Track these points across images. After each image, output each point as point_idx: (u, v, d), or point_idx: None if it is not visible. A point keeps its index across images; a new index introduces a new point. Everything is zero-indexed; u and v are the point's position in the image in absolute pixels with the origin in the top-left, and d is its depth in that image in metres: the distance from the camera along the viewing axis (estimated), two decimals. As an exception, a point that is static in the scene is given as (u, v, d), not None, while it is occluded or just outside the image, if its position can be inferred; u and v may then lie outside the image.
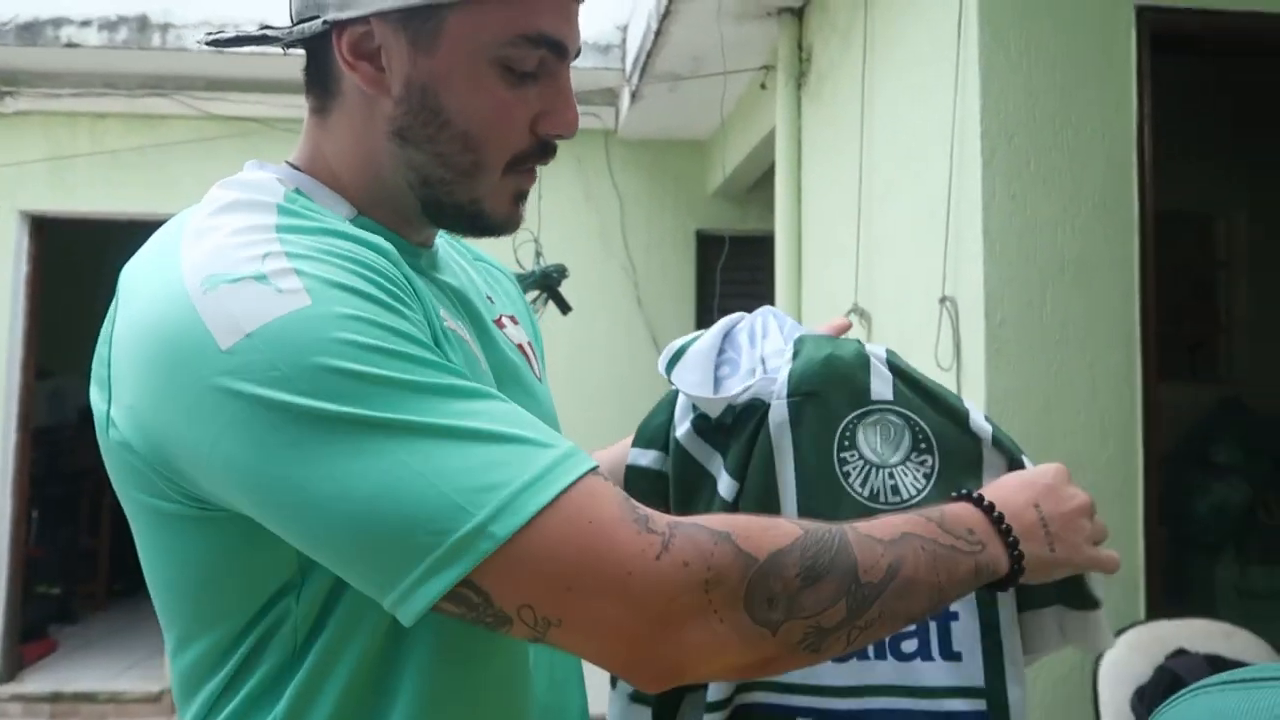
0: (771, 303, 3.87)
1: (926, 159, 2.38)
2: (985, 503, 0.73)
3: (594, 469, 0.59)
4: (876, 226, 2.72)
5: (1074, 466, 2.13)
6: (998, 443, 0.87)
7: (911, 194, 2.48)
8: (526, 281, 3.18)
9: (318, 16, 0.69)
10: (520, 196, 0.75)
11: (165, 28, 4.41)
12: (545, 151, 0.73)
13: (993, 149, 2.13)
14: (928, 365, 2.23)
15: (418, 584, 0.55)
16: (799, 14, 3.44)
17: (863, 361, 0.87)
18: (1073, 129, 2.16)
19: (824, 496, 0.83)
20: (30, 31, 4.36)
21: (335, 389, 0.56)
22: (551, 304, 3.07)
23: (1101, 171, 2.16)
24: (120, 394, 0.63)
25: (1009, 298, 2.11)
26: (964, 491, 0.74)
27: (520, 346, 0.84)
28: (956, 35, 2.20)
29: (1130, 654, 1.99)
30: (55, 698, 4.59)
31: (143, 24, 4.41)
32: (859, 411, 0.85)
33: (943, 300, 2.24)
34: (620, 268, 5.03)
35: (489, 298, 0.85)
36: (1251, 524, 3.35)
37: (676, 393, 0.93)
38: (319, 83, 0.74)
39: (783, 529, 0.61)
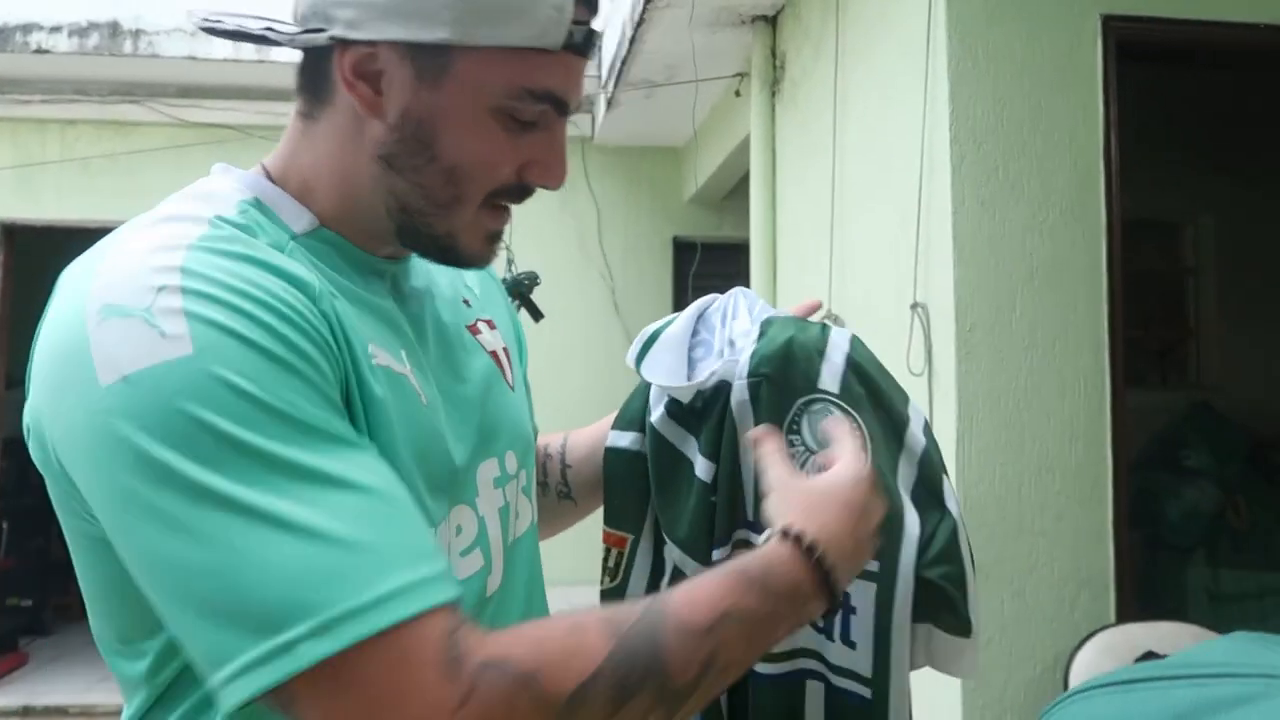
0: (747, 309, 3.88)
1: (897, 166, 2.39)
2: (816, 554, 0.69)
3: (439, 604, 0.56)
4: (849, 233, 2.73)
5: (1044, 470, 2.16)
6: (925, 461, 0.89)
7: (883, 200, 2.50)
8: (498, 289, 3.18)
9: (324, 30, 0.68)
10: (494, 236, 0.74)
11: (137, 34, 4.38)
12: (523, 193, 0.74)
13: (962, 155, 2.15)
14: (900, 371, 2.24)
15: (234, 678, 0.54)
16: (773, 22, 3.46)
17: (820, 349, 0.89)
18: (1040, 136, 2.18)
19: None
20: (-1, 37, 4.33)
21: (196, 447, 0.55)
22: (523, 311, 3.07)
23: (1069, 178, 2.19)
24: (30, 405, 0.63)
25: (979, 303, 2.13)
26: (794, 533, 0.70)
27: (494, 353, 0.84)
28: (925, 43, 2.22)
29: (1100, 657, 2.00)
30: (26, 711, 4.53)
31: (114, 30, 4.37)
32: (806, 399, 0.87)
33: (914, 306, 2.26)
34: (598, 274, 5.03)
35: (465, 301, 0.85)
36: (1221, 527, 3.39)
37: (648, 385, 0.94)
38: (311, 90, 0.72)
39: (590, 651, 0.58)
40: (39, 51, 4.34)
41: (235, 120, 4.53)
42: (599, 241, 5.03)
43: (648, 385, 0.94)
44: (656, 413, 0.91)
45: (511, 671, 0.56)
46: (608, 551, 0.94)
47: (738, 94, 3.93)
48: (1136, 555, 3.07)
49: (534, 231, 4.82)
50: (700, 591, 0.64)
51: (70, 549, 0.68)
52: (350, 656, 0.53)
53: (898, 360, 2.26)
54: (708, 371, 0.89)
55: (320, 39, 0.68)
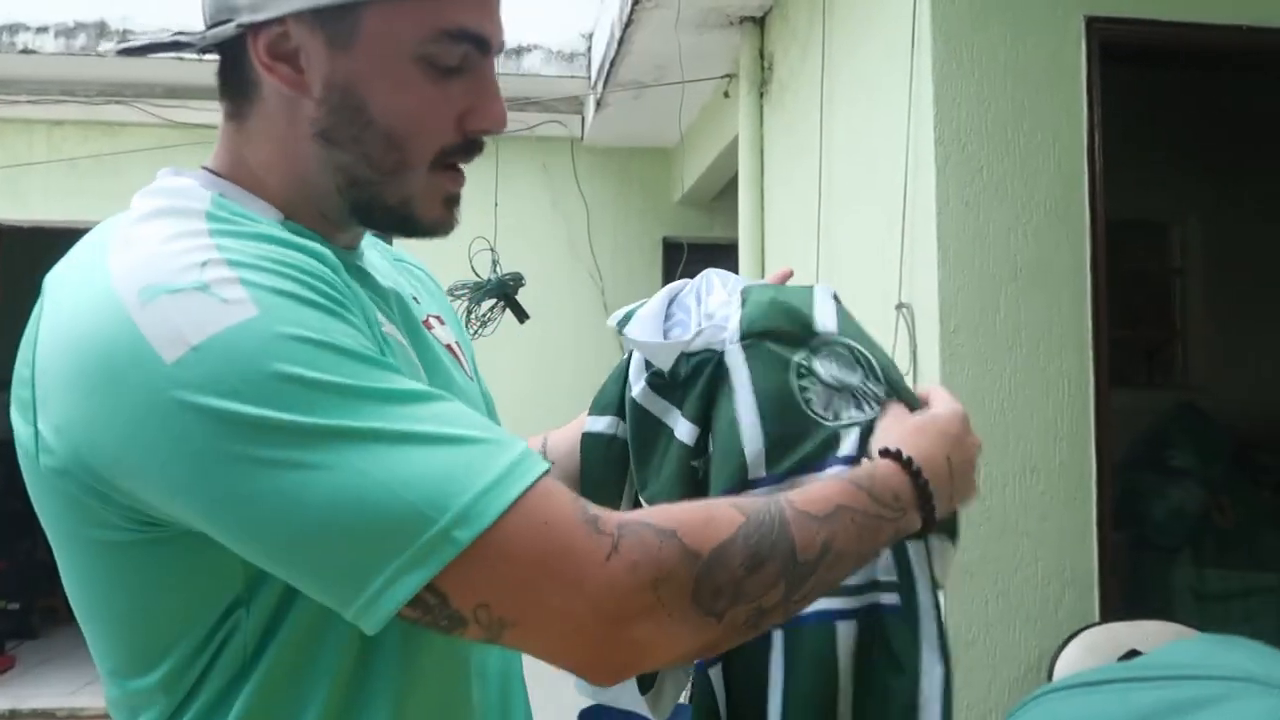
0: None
1: (883, 166, 2.40)
2: (914, 467, 0.75)
3: (547, 470, 0.60)
4: (835, 233, 2.74)
5: (1028, 471, 2.16)
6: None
7: (869, 201, 2.50)
8: (482, 290, 3.16)
9: (231, 20, 0.68)
10: (451, 200, 0.74)
11: (124, 34, 4.36)
12: (472, 149, 0.72)
13: (946, 156, 2.15)
14: (884, 371, 2.24)
15: (381, 591, 0.55)
16: (760, 23, 3.46)
17: (806, 300, 0.89)
18: (1025, 137, 2.19)
19: (791, 424, 0.85)
20: (-15, 37, 4.30)
21: (288, 399, 0.55)
22: (509, 312, 3.07)
23: (1053, 179, 2.19)
24: (48, 414, 0.60)
25: (963, 303, 2.14)
26: (894, 450, 0.76)
27: (449, 346, 0.84)
28: (910, 44, 2.23)
29: (1084, 656, 2.01)
30: (13, 715, 4.50)
31: (101, 30, 4.36)
32: (811, 344, 0.87)
33: (899, 306, 2.26)
34: (587, 275, 5.03)
35: (414, 298, 0.85)
36: (1207, 527, 3.40)
37: (628, 361, 0.93)
38: (235, 87, 0.72)
39: (724, 519, 0.62)
40: (25, 52, 4.32)
41: (221, 121, 4.51)
42: (588, 242, 5.03)
43: (622, 370, 0.94)
44: (638, 387, 0.90)
45: (654, 527, 0.60)
46: None
47: (726, 95, 3.93)
48: (1122, 555, 3.09)
49: (523, 232, 4.82)
50: (815, 489, 0.69)
51: (71, 567, 0.66)
52: (497, 532, 0.56)
53: (883, 361, 2.26)
54: (693, 333, 0.88)
55: (229, 30, 0.68)
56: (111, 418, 0.57)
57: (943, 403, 0.85)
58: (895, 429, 0.80)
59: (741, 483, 0.84)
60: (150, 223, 0.63)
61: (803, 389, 0.85)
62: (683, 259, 4.98)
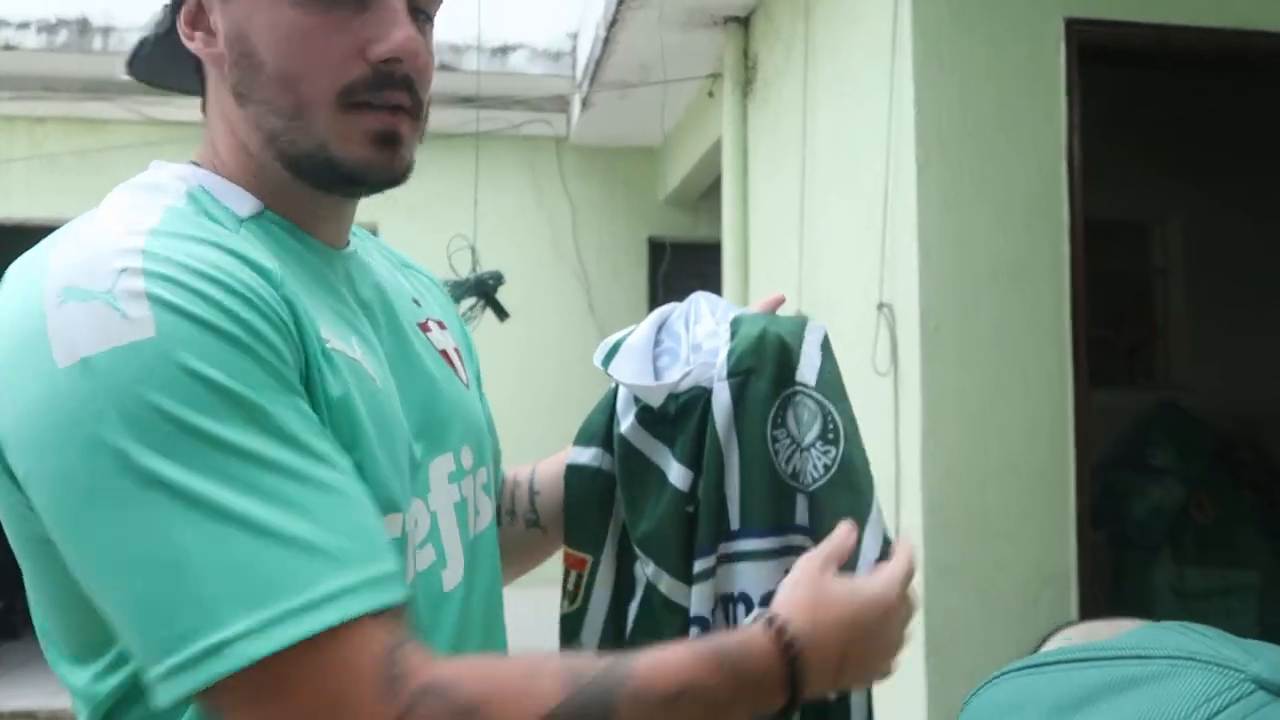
0: (720, 309, 3.89)
1: (864, 167, 2.40)
2: (792, 652, 0.65)
3: (385, 607, 0.55)
4: (818, 233, 2.74)
5: (1008, 470, 2.17)
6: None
7: (850, 201, 2.51)
8: (461, 288, 3.15)
9: (163, 2, 0.69)
10: (383, 138, 0.68)
11: (107, 31, 4.34)
12: (385, 83, 0.67)
13: (927, 157, 2.16)
14: (866, 370, 2.25)
15: (161, 680, 0.53)
16: (745, 22, 3.47)
17: (795, 341, 0.86)
18: (1005, 137, 2.20)
19: (757, 475, 0.83)
20: (-35, 33, 4.27)
21: (151, 435, 0.54)
22: (489, 311, 3.06)
23: (1033, 179, 2.21)
24: None
25: (944, 303, 2.14)
26: (778, 625, 0.66)
27: (444, 352, 0.83)
28: (891, 45, 2.24)
29: (1063, 654, 2.02)
30: (-8, 716, 4.47)
31: (84, 27, 4.33)
32: (787, 391, 0.85)
33: (880, 306, 2.27)
34: (572, 274, 5.02)
35: (415, 300, 0.84)
36: (1187, 525, 3.43)
37: (616, 390, 0.91)
38: (198, 75, 0.73)
39: (541, 695, 0.56)
40: (7, 48, 4.29)
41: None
42: (574, 241, 5.02)
43: (610, 399, 0.92)
44: (626, 422, 0.88)
45: (454, 701, 0.54)
46: (567, 573, 0.91)
47: (711, 95, 3.93)
48: (1103, 554, 3.10)
49: (508, 230, 4.82)
50: (668, 661, 0.61)
51: (18, 556, 0.66)
52: (286, 659, 0.52)
53: (864, 360, 2.27)
54: (681, 372, 0.86)
55: (161, 13, 0.69)
56: (12, 405, 0.57)
57: (881, 584, 0.72)
58: (801, 592, 0.70)
59: (723, 533, 0.84)
60: (104, 219, 0.63)
61: (774, 439, 0.84)
62: (666, 258, 4.99)
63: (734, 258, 3.41)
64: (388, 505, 0.65)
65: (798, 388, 0.85)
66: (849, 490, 0.82)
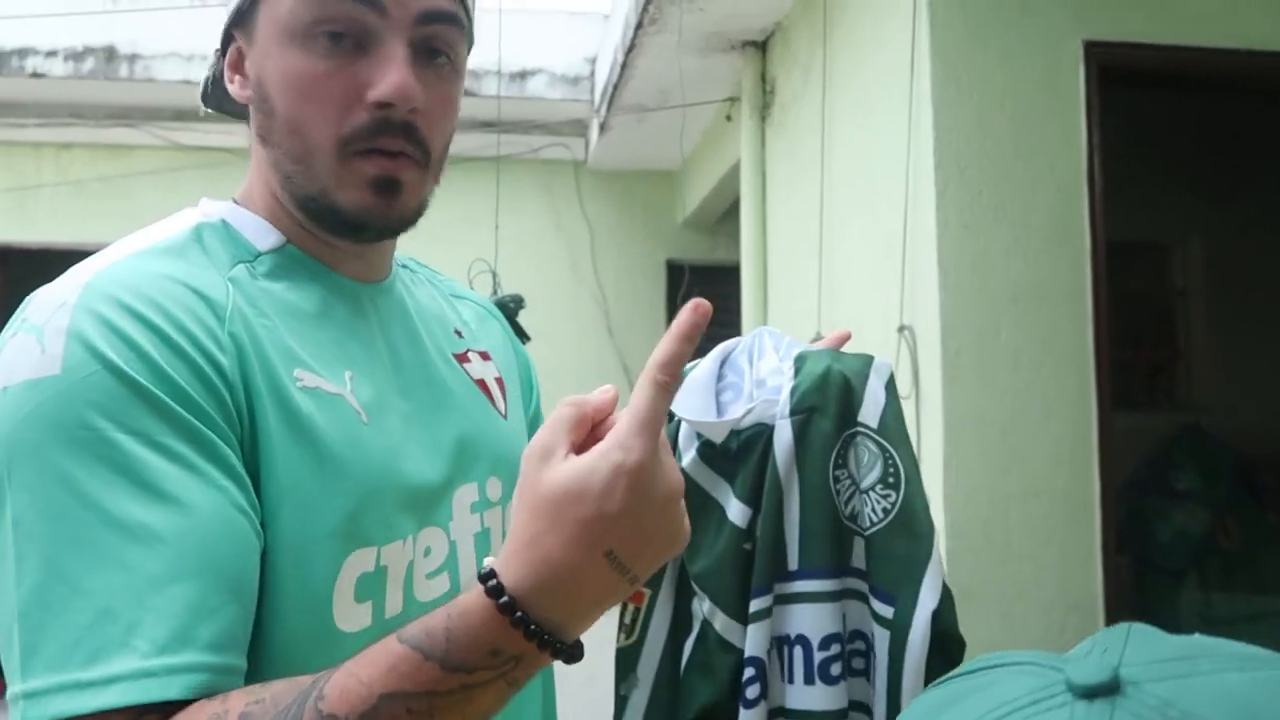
0: (740, 331, 3.89)
1: (883, 190, 2.41)
2: (515, 611, 0.52)
3: (122, 705, 0.52)
4: (837, 256, 2.75)
5: (1031, 494, 2.15)
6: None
7: (869, 225, 2.51)
8: (483, 312, 3.18)
9: (215, 48, 0.73)
10: (382, 184, 0.68)
11: (133, 58, 4.41)
12: (383, 129, 0.67)
13: (946, 180, 2.16)
14: (886, 393, 2.24)
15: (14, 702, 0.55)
16: (762, 47, 3.49)
17: (860, 380, 0.85)
18: (1024, 160, 2.20)
19: (817, 516, 0.83)
20: (-5, 62, 4.35)
21: (18, 471, 0.56)
22: (511, 334, 3.07)
23: (1052, 201, 2.20)
24: None
25: (964, 326, 2.14)
26: (488, 580, 0.53)
27: (481, 382, 0.83)
28: (909, 68, 2.24)
29: (1088, 681, 1.99)
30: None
31: (110, 54, 4.40)
32: (849, 431, 0.84)
33: (901, 329, 2.26)
34: (591, 297, 5.04)
35: (458, 331, 0.84)
36: (1212, 550, 3.38)
37: (678, 424, 0.91)
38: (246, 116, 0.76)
39: None
40: (35, 75, 4.36)
41: (230, 143, 4.55)
42: (592, 265, 5.04)
43: (673, 433, 0.91)
44: (688, 456, 0.88)
45: None
46: (624, 607, 0.90)
47: (729, 118, 3.96)
48: (1127, 579, 3.07)
49: (527, 254, 4.84)
50: (359, 671, 0.52)
51: None
52: None
53: (884, 383, 2.26)
54: (743, 409, 0.86)
55: (214, 57, 0.73)
56: None
57: (614, 438, 0.53)
58: (518, 519, 0.54)
59: (781, 573, 0.83)
60: (104, 251, 0.66)
61: (836, 479, 0.83)
62: (685, 280, 5.00)
63: (753, 280, 3.41)
64: (355, 539, 0.65)
65: (859, 428, 0.84)
66: (908, 536, 0.81)
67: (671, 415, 0.92)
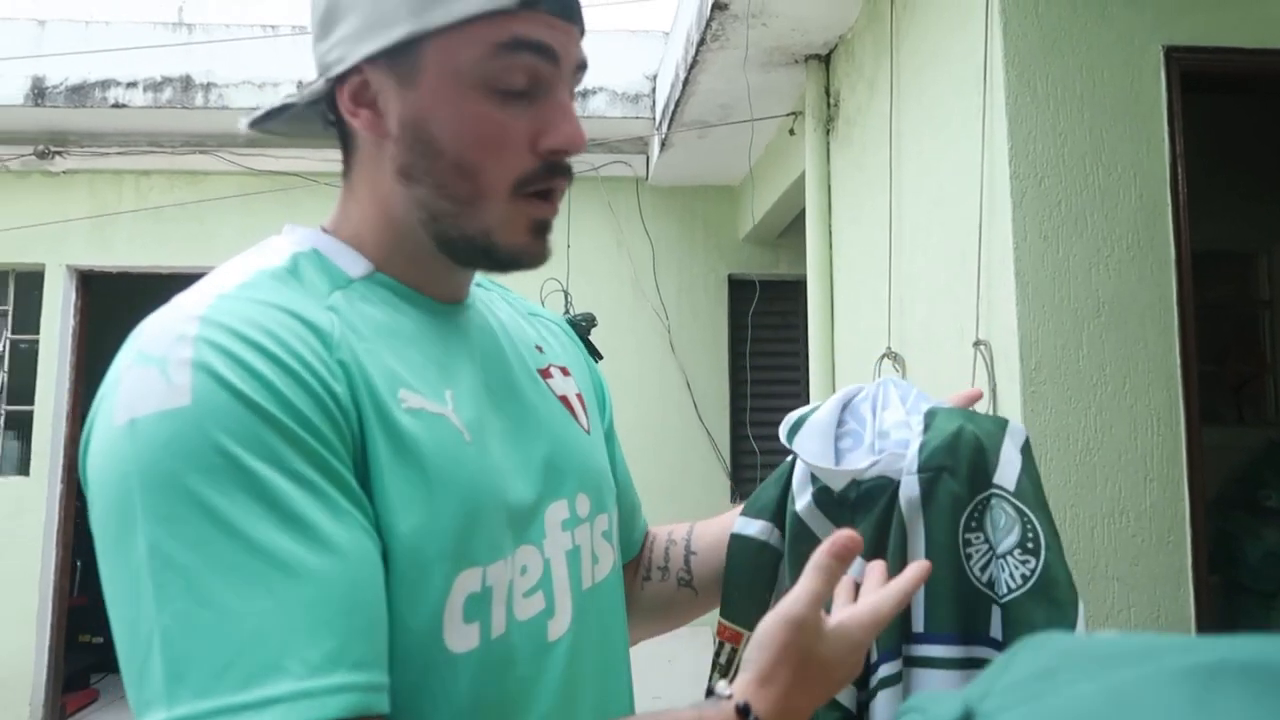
0: (804, 346, 3.84)
1: (956, 202, 2.36)
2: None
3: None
4: (908, 270, 2.70)
5: (1116, 511, 2.09)
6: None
7: (942, 237, 2.47)
8: (556, 331, 3.21)
9: (325, 76, 0.72)
10: (540, 227, 0.72)
11: (208, 87, 4.55)
12: (553, 172, 0.71)
13: (1023, 191, 2.12)
14: (962, 409, 2.20)
15: None
16: (826, 60, 3.47)
17: (994, 442, 0.82)
18: (1103, 169, 2.14)
19: (945, 578, 0.79)
20: (79, 93, 4.52)
21: (159, 503, 0.56)
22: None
23: (1134, 211, 2.14)
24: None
25: (1043, 340, 2.08)
26: (743, 706, 0.65)
27: (564, 398, 0.83)
28: (983, 78, 2.20)
29: (1181, 707, 1.92)
30: (93, 748, 4.60)
31: (186, 84, 4.55)
32: (984, 494, 0.81)
33: (976, 344, 2.22)
34: (653, 312, 5.04)
35: (538, 347, 0.85)
36: (1306, 570, 3.24)
37: (792, 464, 0.89)
38: (342, 144, 0.76)
39: None
40: (116, 106, 4.53)
41: (301, 168, 4.66)
42: (654, 280, 5.05)
43: (785, 473, 0.90)
44: (802, 501, 0.86)
45: None
46: (720, 646, 0.89)
47: (792, 132, 3.93)
48: (1216, 600, 2.95)
49: (589, 270, 4.87)
50: None
51: None
52: None
53: (960, 399, 2.21)
54: (868, 460, 0.83)
55: (319, 84, 0.72)
56: (88, 452, 0.62)
57: (858, 625, 0.70)
58: (776, 670, 0.67)
59: (904, 635, 0.80)
60: (203, 281, 0.67)
61: (967, 543, 0.80)
62: (756, 295, 4.97)
63: (819, 295, 3.38)
64: (464, 560, 0.65)
65: (994, 490, 0.81)
66: (1048, 604, 0.77)
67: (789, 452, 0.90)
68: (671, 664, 4.39)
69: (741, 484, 5.01)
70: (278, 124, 0.78)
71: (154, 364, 0.60)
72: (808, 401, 3.71)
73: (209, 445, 0.57)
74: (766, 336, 5.09)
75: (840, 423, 0.88)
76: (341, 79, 0.71)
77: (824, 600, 0.69)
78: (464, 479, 0.67)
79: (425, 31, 0.68)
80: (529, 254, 0.72)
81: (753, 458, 5.00)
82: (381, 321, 0.70)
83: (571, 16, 0.71)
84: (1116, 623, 2.03)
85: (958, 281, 2.33)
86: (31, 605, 4.69)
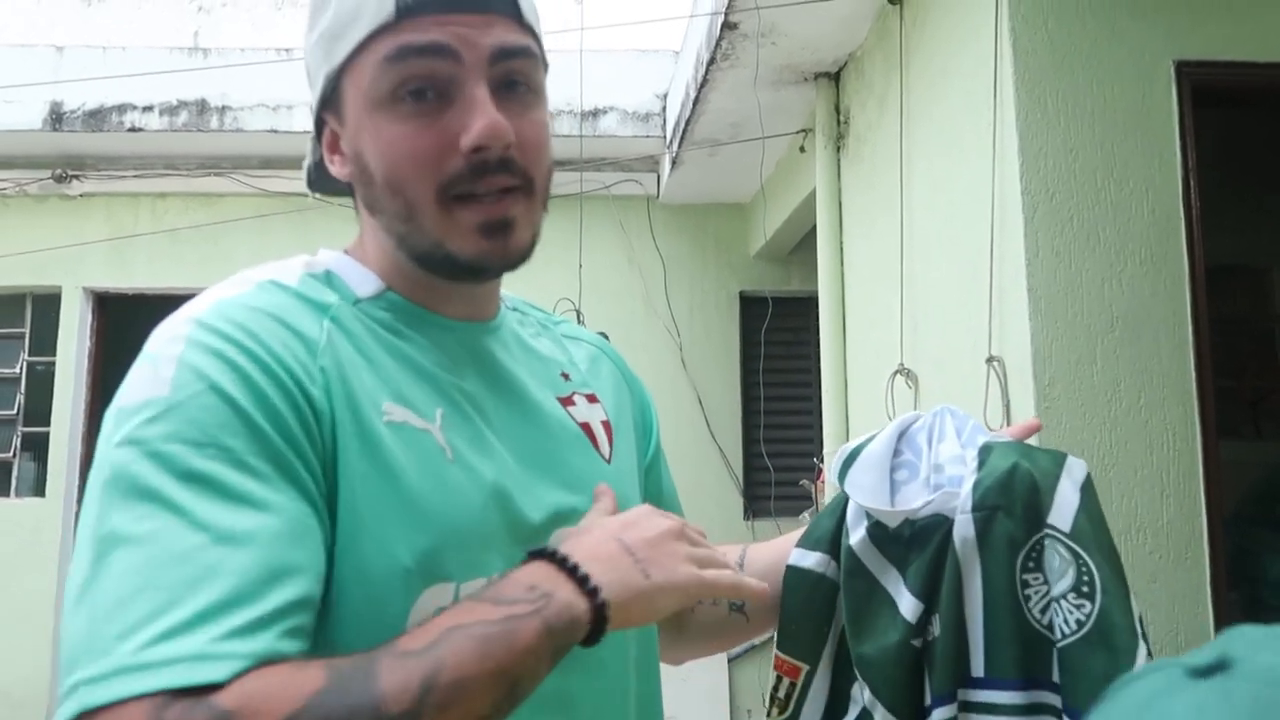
0: (817, 362, 3.83)
1: (967, 218, 2.36)
2: (552, 552, 0.65)
3: (141, 693, 0.53)
4: (920, 286, 2.70)
5: (1133, 528, 2.07)
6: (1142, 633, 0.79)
7: (954, 253, 2.47)
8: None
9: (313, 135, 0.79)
10: (490, 228, 0.70)
11: (223, 110, 4.60)
12: (479, 172, 0.69)
13: (1034, 206, 2.11)
14: (976, 426, 2.19)
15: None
16: (835, 78, 3.48)
17: (1049, 480, 0.80)
18: (1115, 184, 2.14)
19: (1004, 620, 0.77)
20: (96, 118, 4.58)
21: (118, 481, 0.59)
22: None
23: (1147, 226, 2.13)
24: None
25: (1057, 356, 2.08)
26: (530, 550, 0.67)
27: (586, 425, 0.83)
28: (993, 94, 2.21)
29: (1203, 727, 1.89)
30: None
31: (202, 107, 4.60)
32: (1039, 534, 0.78)
33: (990, 360, 2.21)
34: (664, 330, 5.05)
35: (564, 374, 0.84)
36: (1328, 586, 3.20)
37: (846, 498, 0.88)
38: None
39: (300, 684, 0.54)
40: (133, 130, 4.58)
41: (314, 189, 4.70)
42: (666, 298, 5.06)
43: (841, 504, 0.88)
44: (856, 535, 0.84)
45: (207, 712, 0.53)
46: (778, 680, 0.87)
47: (802, 150, 3.94)
48: (1236, 617, 2.92)
49: (601, 288, 4.88)
50: (428, 623, 0.60)
51: None
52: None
53: (975, 416, 2.21)
54: (921, 500, 0.82)
55: (311, 144, 0.78)
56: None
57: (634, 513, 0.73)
58: (572, 537, 0.69)
59: (962, 679, 0.78)
60: (211, 289, 0.71)
61: (1025, 584, 0.78)
62: (769, 312, 4.97)
63: (831, 311, 3.38)
64: (434, 575, 0.66)
65: (1049, 531, 0.78)
66: (1105, 650, 0.75)
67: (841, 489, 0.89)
68: (686, 683, 4.36)
69: (755, 501, 4.99)
70: (326, 183, 0.82)
71: (149, 360, 0.64)
72: (820, 418, 3.69)
73: (169, 429, 0.60)
74: (779, 353, 5.09)
75: (896, 453, 0.87)
76: (319, 134, 0.76)
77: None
78: (439, 497, 0.68)
79: (335, 70, 0.71)
80: (488, 257, 0.71)
81: (766, 474, 4.99)
82: (381, 337, 0.72)
83: (466, 7, 0.69)
84: (1135, 640, 2.01)
85: (970, 297, 2.33)
86: (48, 626, 4.70)
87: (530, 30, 0.74)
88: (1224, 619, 2.05)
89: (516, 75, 0.72)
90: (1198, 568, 2.05)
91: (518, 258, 0.73)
